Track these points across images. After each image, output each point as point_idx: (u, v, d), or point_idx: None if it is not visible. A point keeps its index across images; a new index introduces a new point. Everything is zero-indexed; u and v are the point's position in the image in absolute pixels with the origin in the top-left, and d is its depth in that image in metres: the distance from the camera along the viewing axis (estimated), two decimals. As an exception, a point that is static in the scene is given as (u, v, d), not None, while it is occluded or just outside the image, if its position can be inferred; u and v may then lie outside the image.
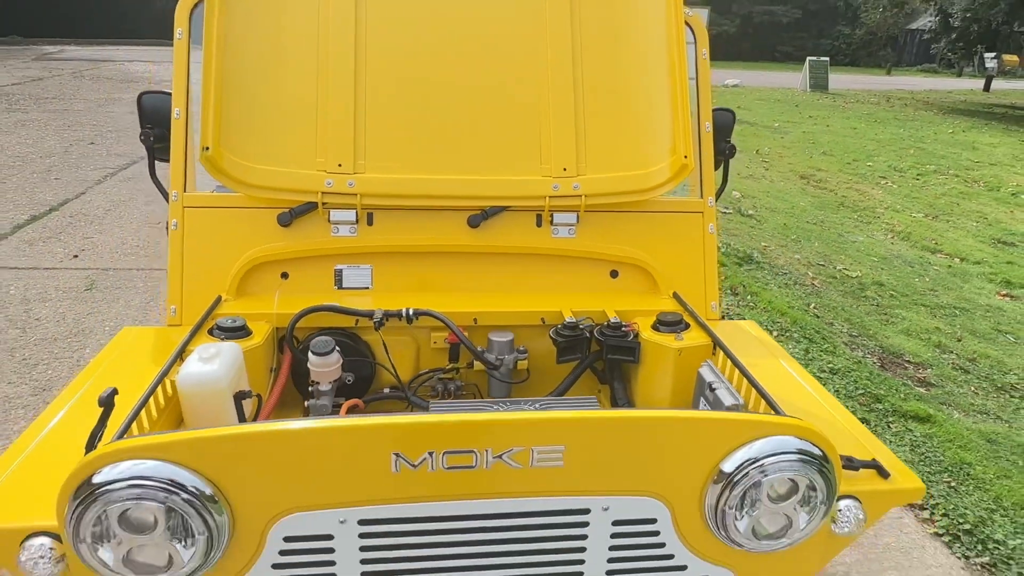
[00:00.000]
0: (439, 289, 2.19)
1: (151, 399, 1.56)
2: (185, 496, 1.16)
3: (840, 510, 1.45)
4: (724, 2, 38.94)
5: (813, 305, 5.27)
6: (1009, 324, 5.37)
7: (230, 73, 2.04)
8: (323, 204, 2.08)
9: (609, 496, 1.30)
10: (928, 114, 18.12)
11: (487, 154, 2.15)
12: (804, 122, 15.50)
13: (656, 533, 1.36)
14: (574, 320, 2.01)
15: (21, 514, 1.28)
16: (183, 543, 1.19)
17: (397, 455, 1.21)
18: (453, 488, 1.25)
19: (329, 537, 1.26)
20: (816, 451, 1.32)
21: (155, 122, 2.20)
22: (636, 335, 2.03)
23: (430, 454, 1.22)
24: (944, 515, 2.89)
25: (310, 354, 1.85)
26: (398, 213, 2.15)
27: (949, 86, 28.17)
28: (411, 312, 1.96)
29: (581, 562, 1.36)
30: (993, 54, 24.76)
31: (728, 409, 1.68)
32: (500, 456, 1.23)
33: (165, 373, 1.63)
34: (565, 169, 2.16)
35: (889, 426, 3.55)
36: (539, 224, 2.22)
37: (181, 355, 1.75)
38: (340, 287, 2.17)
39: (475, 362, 2.08)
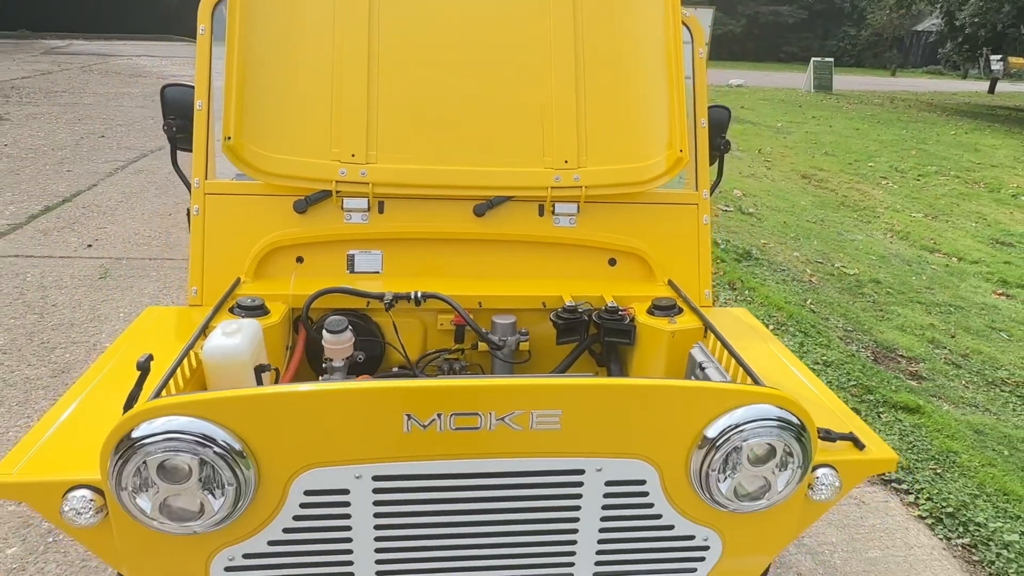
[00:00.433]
0: (446, 274, 2.30)
1: (178, 369, 1.68)
2: (216, 450, 1.28)
3: (817, 477, 1.56)
4: (730, 2, 38.97)
5: (810, 301, 5.38)
6: (1003, 322, 5.47)
7: (250, 67, 2.16)
8: (337, 192, 2.19)
9: (602, 458, 1.42)
10: (931, 116, 18.18)
11: (492, 146, 2.26)
12: (807, 122, 15.58)
13: (645, 494, 1.47)
14: (573, 304, 2.13)
15: (63, 469, 1.40)
16: (213, 493, 1.31)
17: (408, 416, 1.33)
18: (459, 448, 1.37)
19: (345, 491, 1.38)
20: (794, 419, 1.43)
21: (177, 113, 2.32)
22: (632, 319, 2.15)
23: (439, 416, 1.33)
24: (928, 499, 3.00)
25: (324, 332, 1.97)
26: (408, 202, 2.27)
27: (953, 88, 28.20)
28: (419, 295, 2.08)
29: (576, 519, 1.47)
30: (999, 56, 24.79)
31: (716, 386, 1.80)
32: (503, 419, 1.35)
33: (191, 346, 1.75)
34: (566, 161, 2.28)
35: (879, 416, 3.66)
36: (541, 214, 2.33)
37: (205, 330, 1.87)
38: (352, 271, 2.29)
39: (479, 343, 2.19)
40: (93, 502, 1.37)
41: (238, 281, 2.16)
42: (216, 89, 2.23)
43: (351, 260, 2.29)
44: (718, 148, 2.52)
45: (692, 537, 1.54)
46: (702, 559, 1.58)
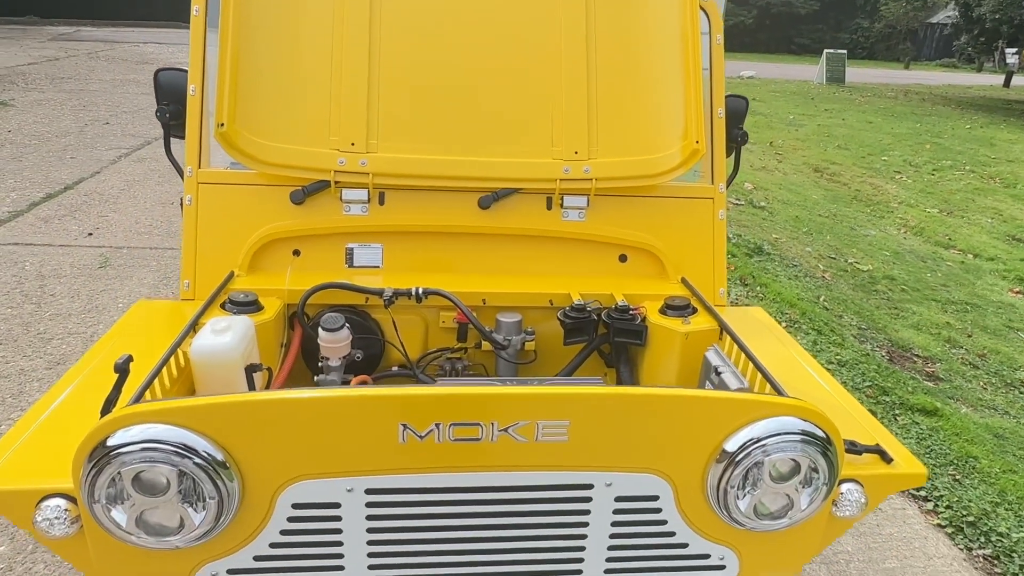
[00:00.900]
0: (448, 269, 2.21)
1: (164, 369, 1.59)
2: (197, 461, 1.18)
3: (842, 493, 1.46)
4: (741, -8, 38.56)
5: (823, 298, 5.26)
6: (1021, 321, 5.33)
7: (246, 51, 2.06)
8: (335, 183, 2.09)
9: (612, 472, 1.32)
10: (946, 109, 17.93)
11: (499, 136, 2.16)
12: (819, 115, 15.38)
13: (658, 510, 1.38)
14: (582, 302, 2.03)
15: (37, 476, 1.31)
16: (194, 507, 1.22)
17: (404, 426, 1.23)
18: (459, 460, 1.27)
19: (336, 505, 1.29)
20: (819, 433, 1.33)
21: (171, 99, 2.22)
22: (643, 319, 2.05)
23: (437, 426, 1.24)
24: (948, 507, 2.90)
25: (320, 330, 1.87)
26: (409, 193, 2.17)
27: (968, 81, 27.84)
28: (420, 291, 1.98)
29: (583, 536, 1.38)
30: (1015, 49, 24.42)
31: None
32: (506, 430, 1.25)
33: (179, 344, 1.66)
34: (576, 152, 2.17)
35: (896, 418, 3.55)
36: (549, 207, 2.23)
37: (194, 327, 1.78)
38: (351, 265, 2.19)
39: (483, 342, 2.10)
40: (68, 512, 1.28)
41: (231, 275, 2.07)
42: (211, 74, 2.13)
43: (350, 254, 2.19)
44: (735, 139, 2.40)
45: (707, 556, 1.44)
46: None
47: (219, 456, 1.21)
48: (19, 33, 19.59)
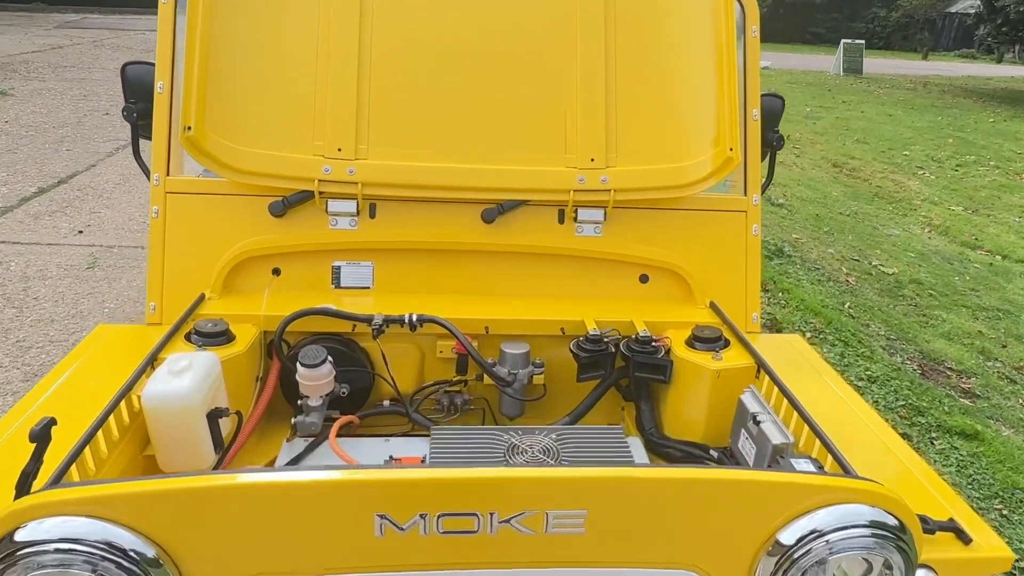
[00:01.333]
0: (447, 291, 1.96)
1: (113, 417, 1.36)
2: (123, 562, 0.95)
3: (913, 583, 1.21)
4: (756, -19, 37.87)
5: (848, 304, 4.98)
6: (1057, 329, 5.04)
7: (218, 43, 1.81)
8: (320, 193, 1.85)
9: (639, 568, 1.08)
10: (967, 102, 17.47)
11: (505, 141, 1.91)
12: (837, 107, 14.99)
13: None
14: (598, 332, 1.78)
15: None
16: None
17: (382, 517, 0.99)
18: (449, 556, 1.04)
19: (300, 608, 1.05)
20: (892, 521, 1.08)
21: (140, 96, 1.98)
22: (667, 351, 1.80)
23: (422, 516, 1.00)
24: (996, 547, 2.64)
25: (298, 365, 1.64)
26: (404, 205, 1.93)
27: (988, 72, 27.24)
28: (414, 318, 1.74)
29: (602, 642, 1.14)
30: (1037, 40, 23.79)
31: (776, 448, 1.45)
32: (508, 520, 1.01)
33: (129, 388, 1.43)
34: (593, 160, 1.92)
35: (933, 443, 3.29)
36: (561, 221, 1.98)
37: (152, 363, 1.55)
38: (337, 286, 1.95)
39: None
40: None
41: (202, 297, 1.83)
42: (182, 69, 1.89)
43: (336, 273, 1.95)
44: (770, 143, 2.14)
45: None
46: None
47: (150, 553, 0.97)
48: (25, 20, 19.41)
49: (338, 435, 1.66)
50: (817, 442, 1.42)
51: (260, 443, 1.75)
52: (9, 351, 3.47)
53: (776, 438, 1.46)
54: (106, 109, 9.10)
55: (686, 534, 1.08)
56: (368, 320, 1.74)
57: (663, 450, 1.77)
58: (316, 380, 1.64)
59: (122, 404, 1.41)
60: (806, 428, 1.47)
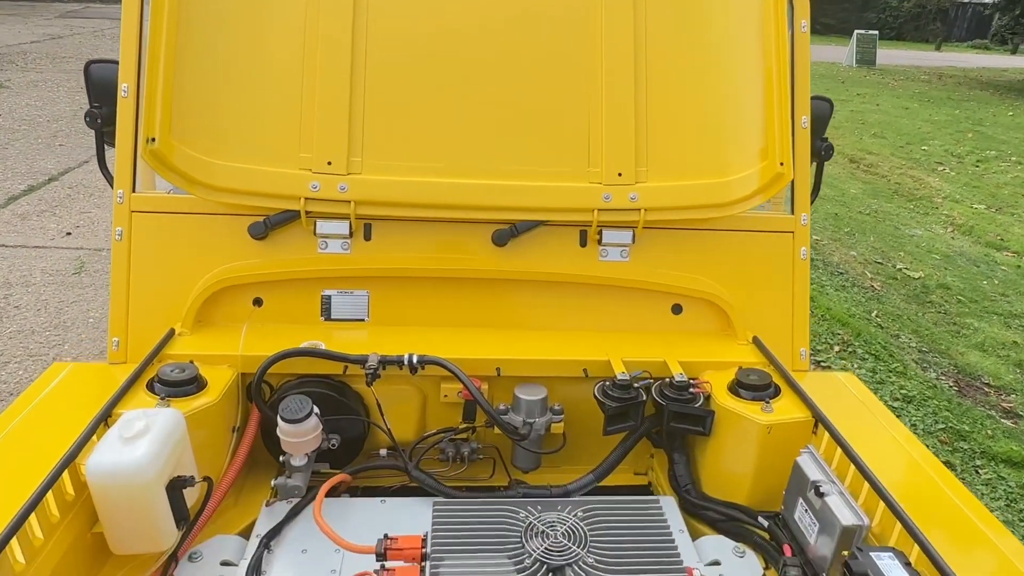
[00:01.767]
0: (452, 324, 1.72)
1: (51, 492, 1.13)
2: None
3: None
4: (766, -30, 37.30)
5: (875, 313, 4.73)
6: (1096, 339, 4.77)
7: (187, 39, 1.57)
8: (307, 213, 1.61)
9: None
10: (984, 94, 17.09)
11: (519, 153, 1.66)
12: (852, 100, 14.65)
13: None
14: (627, 377, 1.54)
15: None
16: None
17: None
18: None
19: None
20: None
21: (107, 99, 1.73)
22: (707, 397, 1.56)
23: None
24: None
25: (280, 420, 1.40)
26: (403, 226, 1.68)
27: (1003, 64, 26.76)
28: (415, 360, 1.51)
29: None
30: (1055, 31, 23.32)
31: (846, 530, 1.21)
32: None
33: (73, 456, 1.20)
34: (620, 174, 1.67)
35: (978, 472, 3.04)
36: (583, 243, 1.73)
37: (106, 420, 1.32)
38: (328, 318, 1.71)
39: (497, 421, 1.62)
40: None
41: (171, 333, 1.60)
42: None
43: (326, 303, 1.71)
44: (817, 153, 1.89)
45: None
46: None
47: None
48: (27, 10, 19.16)
49: (327, 494, 1.43)
50: (897, 525, 1.18)
51: (237, 504, 1.52)
52: (-16, 366, 3.26)
53: (847, 518, 1.22)
54: (103, 102, 8.86)
55: None
56: (362, 361, 1.50)
57: (702, 512, 1.54)
58: (300, 436, 1.40)
59: (65, 475, 1.18)
60: (881, 504, 1.23)
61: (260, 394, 1.50)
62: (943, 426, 3.35)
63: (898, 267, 5.83)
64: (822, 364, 3.92)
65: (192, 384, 1.42)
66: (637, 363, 1.61)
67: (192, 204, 1.64)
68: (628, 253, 1.74)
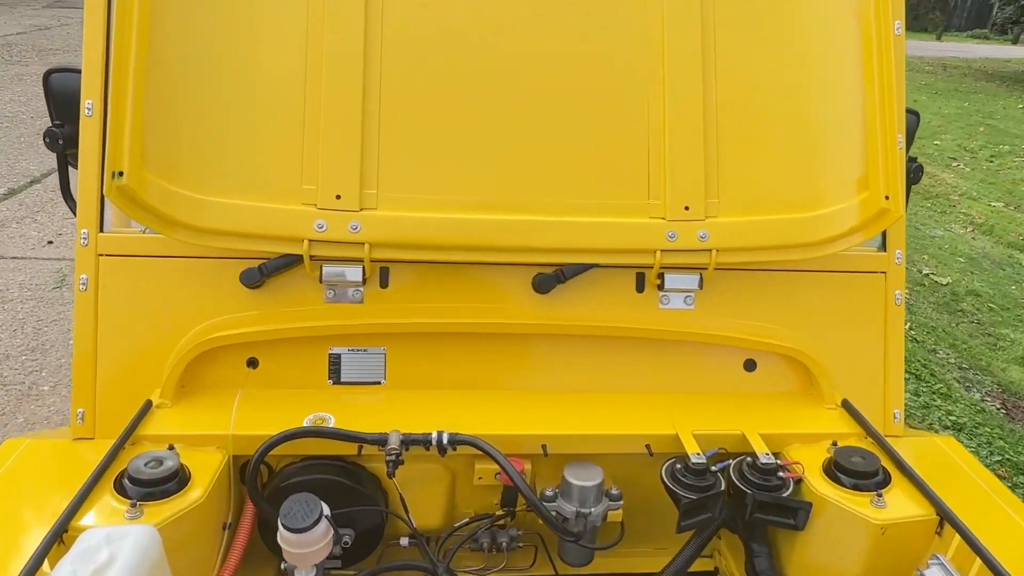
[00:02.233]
0: (487, 387, 1.44)
1: None
2: None
3: None
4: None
5: (909, 324, 4.47)
6: None
7: (164, 49, 1.27)
8: (311, 257, 1.33)
9: None
10: (990, 85, 16.81)
11: (566, 184, 1.38)
12: (858, 92, 14.36)
13: None
14: (702, 460, 1.27)
15: None
16: None
17: None
18: None
19: None
20: None
21: (70, 116, 1.44)
22: (799, 480, 1.29)
23: None
24: None
25: (280, 526, 1.13)
26: (426, 271, 1.40)
27: (1006, 54, 26.48)
28: (444, 440, 1.23)
29: None
30: (1058, 21, 23.04)
31: None
32: None
33: (12, 600, 0.92)
34: (687, 208, 1.39)
35: (1044, 512, 2.78)
36: (640, 289, 1.46)
37: (60, 537, 1.04)
38: (337, 381, 1.43)
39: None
40: None
41: (148, 406, 1.31)
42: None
43: (335, 363, 1.43)
44: (906, 175, 1.60)
45: None
46: None
47: None
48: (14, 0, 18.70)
49: None
50: None
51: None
52: (-48, 398, 2.97)
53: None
54: (89, 97, 8.52)
55: None
56: (380, 442, 1.23)
57: (792, 622, 1.27)
58: (307, 547, 1.13)
59: None
60: None
61: (257, 486, 1.22)
62: (999, 458, 3.09)
63: (924, 272, 5.58)
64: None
65: (172, 481, 1.14)
66: (710, 437, 1.34)
67: (172, 246, 1.35)
68: (693, 300, 1.46)
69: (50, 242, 4.55)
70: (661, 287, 1.44)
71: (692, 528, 1.28)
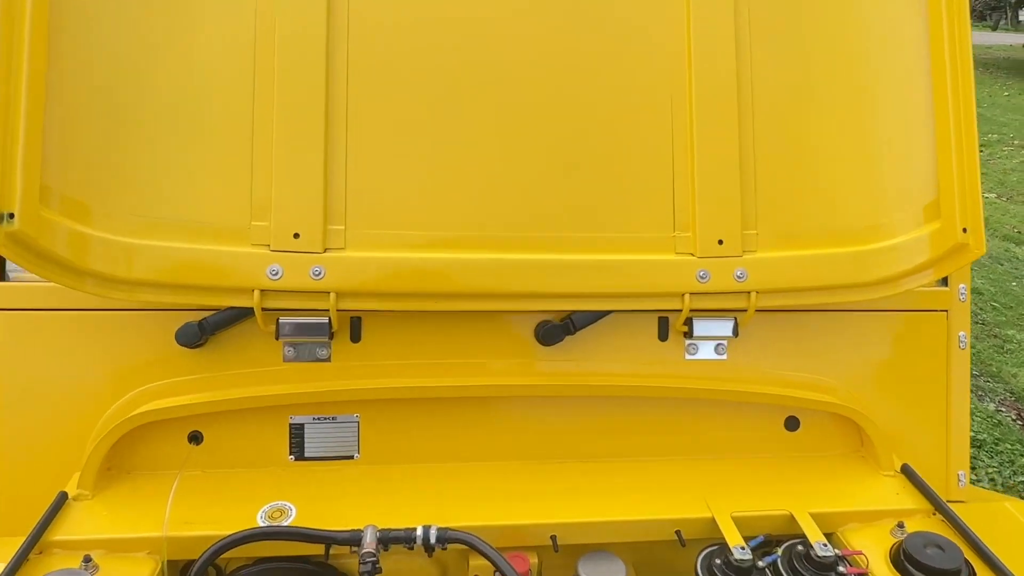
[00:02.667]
0: (481, 458, 1.20)
1: None
2: None
3: None
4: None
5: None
6: None
7: (66, 56, 1.01)
8: (263, 309, 1.07)
9: None
10: (974, 73, 16.78)
11: (575, 216, 1.14)
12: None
13: None
14: (747, 555, 1.04)
15: None
16: None
17: None
18: None
19: None
20: None
21: None
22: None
23: None
24: None
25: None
26: (406, 321, 1.16)
27: (986, 41, 26.56)
28: (432, 537, 0.99)
29: None
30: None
31: None
32: None
33: None
34: (721, 242, 1.16)
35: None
36: (663, 336, 1.22)
37: None
38: (300, 456, 1.18)
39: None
40: None
41: (62, 500, 1.06)
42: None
43: (297, 435, 1.18)
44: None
45: None
46: None
47: None
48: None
49: None
50: None
51: None
52: None
53: None
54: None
55: None
56: (354, 541, 0.99)
57: None
58: None
59: None
60: None
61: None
62: (1023, 478, 2.92)
63: (924, 270, 5.43)
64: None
65: (83, 610, 0.89)
66: (752, 520, 1.11)
67: (88, 299, 1.09)
68: (725, 348, 1.23)
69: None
70: (689, 335, 1.21)
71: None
